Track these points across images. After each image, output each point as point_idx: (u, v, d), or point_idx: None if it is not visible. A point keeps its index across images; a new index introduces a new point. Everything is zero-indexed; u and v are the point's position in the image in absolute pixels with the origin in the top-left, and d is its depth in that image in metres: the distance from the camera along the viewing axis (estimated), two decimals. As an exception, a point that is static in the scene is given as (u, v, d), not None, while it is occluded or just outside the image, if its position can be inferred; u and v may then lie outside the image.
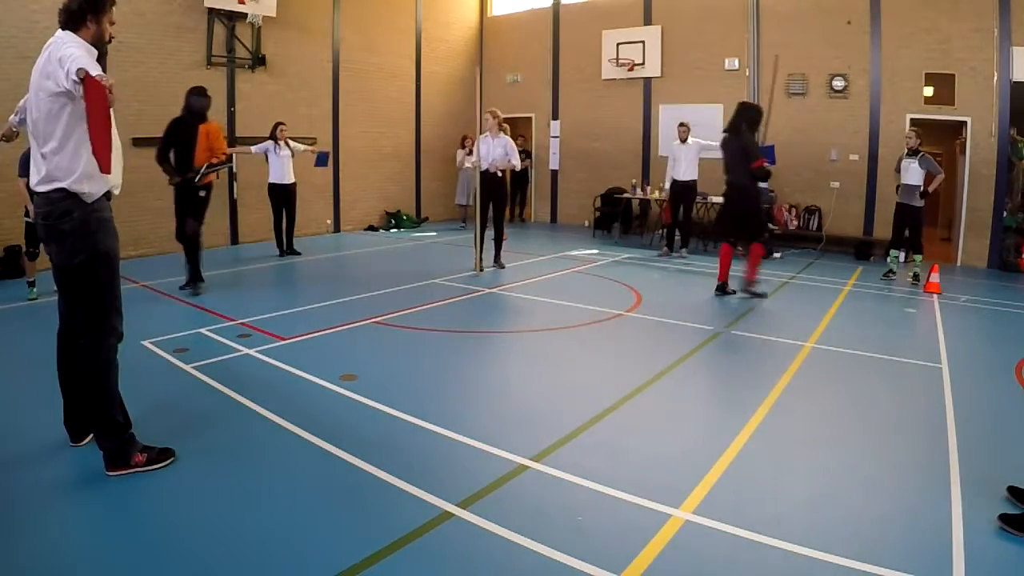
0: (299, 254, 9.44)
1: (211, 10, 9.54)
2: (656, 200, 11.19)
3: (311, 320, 5.89)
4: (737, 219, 7.05)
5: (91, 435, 3.23)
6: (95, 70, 2.68)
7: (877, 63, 10.09)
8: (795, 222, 11.00)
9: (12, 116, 3.48)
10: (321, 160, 10.18)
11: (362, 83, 12.17)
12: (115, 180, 3.12)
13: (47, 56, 2.85)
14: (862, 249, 10.13)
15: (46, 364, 3.39)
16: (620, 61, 12.54)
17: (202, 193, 6.85)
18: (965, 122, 9.51)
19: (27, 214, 6.13)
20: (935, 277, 7.68)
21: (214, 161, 6.83)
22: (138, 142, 8.39)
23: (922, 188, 7.99)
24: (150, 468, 3.08)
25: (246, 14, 9.80)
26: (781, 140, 11.08)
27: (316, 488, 3.01)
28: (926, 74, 9.71)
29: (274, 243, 9.53)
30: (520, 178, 14.06)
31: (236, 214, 10.33)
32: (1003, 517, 2.73)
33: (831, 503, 2.96)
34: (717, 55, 11.61)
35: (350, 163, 12.08)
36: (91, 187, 2.95)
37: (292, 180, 9.28)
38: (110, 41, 3.08)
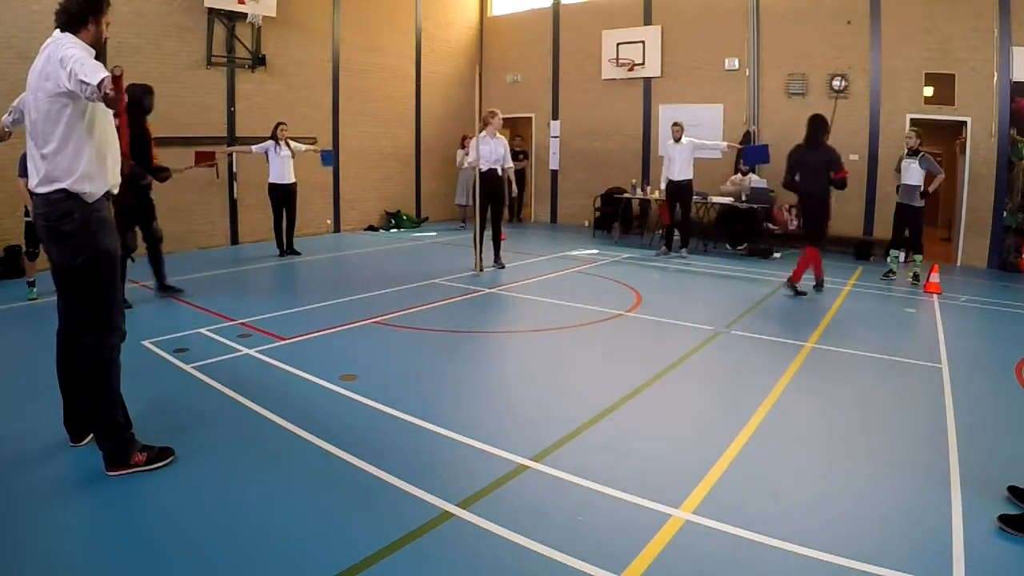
0: (299, 254, 9.43)
1: (211, 10, 9.54)
2: (656, 200, 11.18)
3: (311, 320, 5.88)
4: (807, 222, 7.55)
5: (91, 435, 3.24)
6: (99, 75, 2.68)
7: (877, 63, 10.09)
8: (795, 222, 10.97)
9: (5, 116, 3.48)
10: (326, 159, 10.19)
11: (362, 83, 12.17)
12: (113, 180, 3.12)
13: (46, 57, 2.85)
14: (862, 249, 10.13)
15: (46, 364, 3.39)
16: (620, 61, 12.54)
17: (152, 195, 6.72)
18: (965, 122, 9.51)
19: (27, 214, 6.13)
20: (935, 277, 7.68)
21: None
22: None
23: (922, 188, 7.99)
24: (150, 468, 3.08)
25: (246, 14, 9.80)
26: (781, 140, 11.07)
27: (316, 488, 3.01)
28: (926, 74, 9.71)
29: (274, 243, 9.53)
30: (519, 178, 14.06)
31: (236, 214, 10.33)
32: (1003, 518, 2.73)
33: (831, 503, 2.96)
34: (717, 55, 11.61)
35: (350, 163, 12.08)
36: (91, 187, 2.96)
37: (292, 180, 9.28)
38: (105, 41, 3.09)
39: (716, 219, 10.97)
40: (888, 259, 8.67)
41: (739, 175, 10.63)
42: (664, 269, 8.99)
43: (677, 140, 9.63)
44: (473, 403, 4.21)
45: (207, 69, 9.69)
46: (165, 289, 6.82)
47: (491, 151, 8.32)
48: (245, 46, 10.11)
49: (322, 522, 2.72)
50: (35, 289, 6.53)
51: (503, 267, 8.50)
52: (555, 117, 13.80)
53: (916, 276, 8.17)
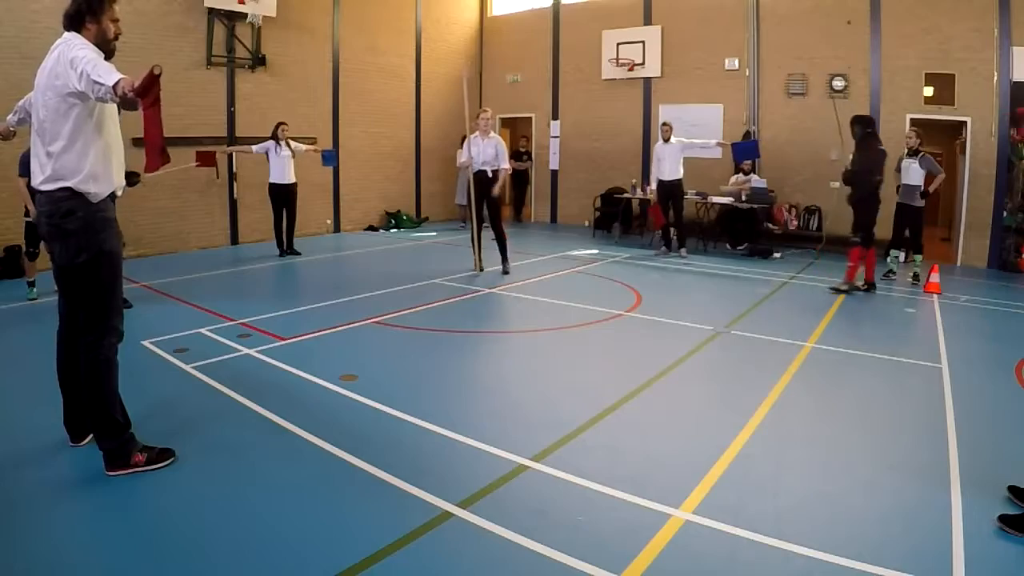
0: (299, 254, 9.44)
1: (211, 10, 9.54)
2: (653, 200, 11.20)
3: (311, 320, 5.88)
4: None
5: (91, 435, 3.24)
6: (114, 76, 2.69)
7: (877, 63, 10.08)
8: (795, 222, 11.00)
9: (11, 116, 3.48)
10: (328, 159, 10.16)
11: (362, 83, 12.17)
12: (119, 180, 3.13)
13: (56, 57, 2.86)
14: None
15: (46, 364, 3.39)
16: (620, 61, 12.54)
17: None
18: (965, 122, 9.51)
19: (27, 214, 6.13)
20: (935, 277, 7.68)
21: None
22: (138, 142, 8.36)
23: (922, 188, 7.99)
24: (150, 468, 3.08)
25: (246, 14, 9.80)
26: (781, 140, 11.11)
27: (316, 488, 3.01)
28: (926, 74, 9.70)
29: (274, 243, 9.53)
30: (520, 178, 14.07)
31: (236, 214, 10.33)
32: (1003, 518, 2.73)
33: (831, 503, 2.96)
34: (717, 55, 11.61)
35: (350, 163, 12.08)
36: (97, 187, 2.96)
37: (293, 180, 9.28)
38: (116, 39, 3.08)
39: (716, 219, 10.97)
40: (888, 259, 8.67)
41: (741, 175, 10.63)
42: (664, 269, 8.99)
43: (666, 140, 9.67)
44: (473, 403, 4.21)
45: (207, 69, 9.69)
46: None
47: (480, 152, 8.22)
48: (245, 46, 10.11)
49: (322, 522, 2.72)
50: (35, 289, 6.53)
51: (507, 273, 8.17)
52: (555, 117, 13.80)
53: (916, 276, 8.17)
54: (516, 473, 3.16)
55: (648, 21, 12.35)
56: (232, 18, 9.84)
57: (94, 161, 2.94)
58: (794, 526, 2.73)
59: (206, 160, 8.74)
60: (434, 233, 12.14)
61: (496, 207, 8.34)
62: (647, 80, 12.46)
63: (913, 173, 8.01)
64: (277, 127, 9.18)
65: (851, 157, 7.49)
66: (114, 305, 3.09)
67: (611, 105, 13.00)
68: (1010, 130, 9.20)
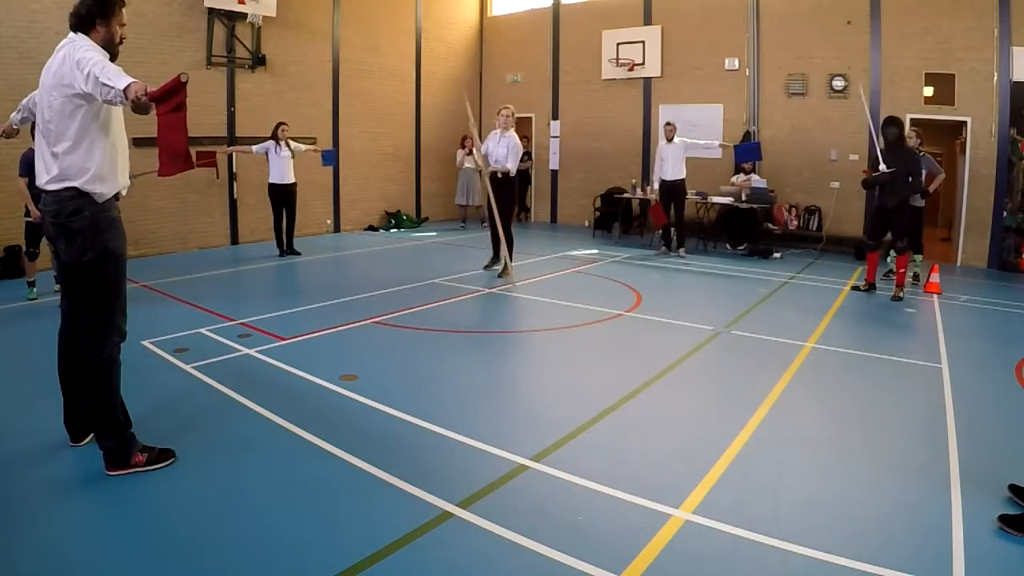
0: (299, 254, 9.43)
1: (211, 10, 9.54)
2: (652, 200, 11.20)
3: (311, 320, 5.88)
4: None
5: (91, 435, 3.24)
6: (124, 80, 2.70)
7: (877, 63, 10.08)
8: (795, 222, 11.00)
9: (14, 114, 3.49)
10: (327, 159, 10.16)
11: (362, 83, 12.17)
12: (124, 181, 3.13)
13: (62, 57, 2.86)
14: (862, 249, 10.12)
15: (46, 364, 3.39)
16: (620, 61, 12.54)
17: None
18: (965, 122, 9.51)
19: (27, 214, 6.13)
20: (935, 277, 7.69)
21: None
22: (139, 142, 8.37)
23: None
24: (150, 468, 3.08)
25: (246, 14, 9.80)
26: (781, 140, 11.11)
27: (316, 488, 3.01)
28: (926, 74, 9.70)
29: (274, 243, 9.53)
30: (521, 179, 14.06)
31: (236, 214, 10.33)
32: (1003, 518, 2.73)
33: (831, 503, 2.96)
34: (717, 55, 11.61)
35: (350, 163, 12.08)
36: (103, 187, 2.97)
37: (292, 180, 9.27)
38: (121, 43, 3.08)
39: (716, 219, 10.97)
40: (888, 259, 8.67)
41: (742, 174, 10.63)
42: (664, 269, 8.99)
43: (670, 140, 9.65)
44: (473, 403, 4.21)
45: (207, 69, 9.69)
46: None
47: (494, 148, 8.04)
48: (245, 46, 10.11)
49: (322, 522, 2.72)
50: (35, 289, 6.53)
51: (502, 275, 7.95)
52: (555, 117, 13.80)
53: (916, 276, 8.17)
54: (516, 473, 3.16)
55: (648, 21, 12.35)
56: (232, 18, 9.84)
57: (100, 161, 2.94)
58: (794, 526, 2.73)
59: (204, 158, 8.73)
60: (434, 233, 12.14)
61: (505, 209, 7.94)
62: (647, 80, 12.46)
63: (914, 173, 8.01)
64: (277, 127, 9.16)
65: (881, 156, 7.33)
66: (118, 304, 3.09)
67: (611, 105, 13.00)
68: (1010, 129, 9.20)
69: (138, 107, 2.74)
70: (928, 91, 9.73)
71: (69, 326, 3.17)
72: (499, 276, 7.94)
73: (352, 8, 11.84)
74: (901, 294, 7.27)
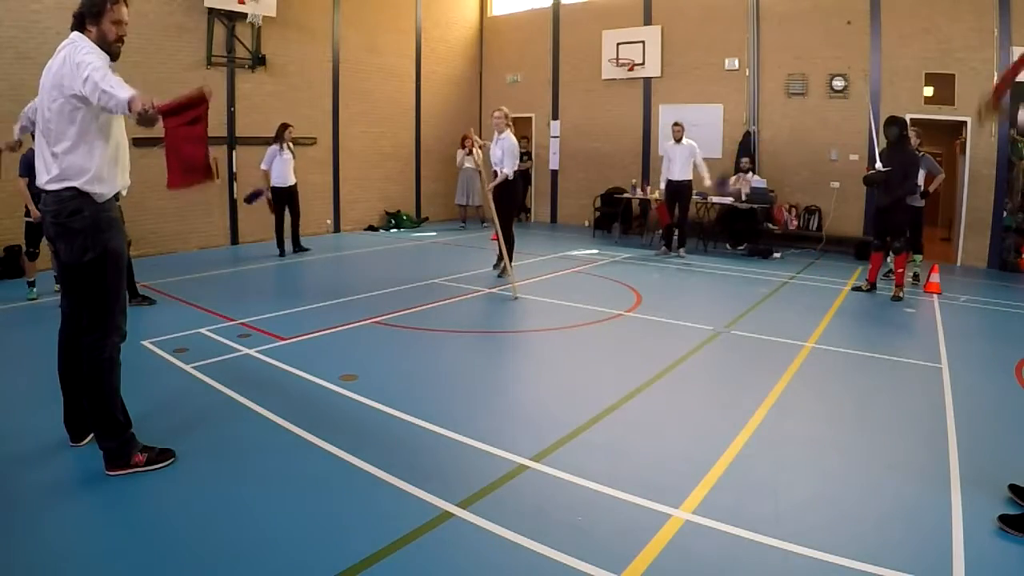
0: (308, 250, 9.52)
1: (211, 10, 9.54)
2: (655, 200, 11.20)
3: (311, 320, 5.88)
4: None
5: (91, 435, 3.24)
6: (126, 91, 2.72)
7: (877, 63, 10.08)
8: (795, 222, 11.00)
9: (15, 126, 3.50)
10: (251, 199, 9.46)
11: (362, 83, 12.17)
12: (124, 181, 3.13)
13: (63, 58, 2.86)
14: (862, 249, 10.11)
15: (46, 364, 3.39)
16: (620, 61, 12.54)
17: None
18: (965, 122, 9.50)
19: (27, 214, 6.13)
20: (935, 277, 7.69)
21: None
22: (139, 142, 8.35)
23: (922, 188, 7.99)
24: (150, 468, 3.08)
25: (246, 14, 9.80)
26: (781, 140, 11.11)
27: (316, 488, 3.01)
28: (926, 74, 9.70)
29: (271, 242, 9.54)
30: (522, 179, 14.06)
31: (236, 214, 10.32)
32: (1003, 518, 2.73)
33: (831, 503, 2.96)
34: (717, 55, 11.61)
35: (350, 163, 12.08)
36: (103, 188, 2.97)
37: (294, 181, 9.29)
38: (120, 41, 3.07)
39: (716, 219, 10.97)
40: (888, 259, 8.66)
41: (741, 174, 10.63)
42: (664, 269, 8.99)
43: (678, 140, 9.61)
44: (473, 403, 4.21)
45: (207, 69, 9.69)
46: (137, 298, 6.25)
47: (492, 153, 8.11)
48: (245, 46, 10.11)
49: (322, 522, 2.72)
50: (35, 289, 6.53)
51: (500, 276, 7.95)
52: (555, 117, 13.80)
53: (916, 276, 8.17)
54: (516, 473, 3.16)
55: (648, 21, 12.35)
56: (232, 18, 9.83)
57: (100, 162, 2.94)
58: (794, 526, 2.73)
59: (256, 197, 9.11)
60: (434, 233, 12.14)
61: (502, 211, 7.76)
62: (647, 80, 12.46)
63: (913, 173, 8.01)
64: (284, 129, 9.16)
65: (880, 154, 7.34)
66: (118, 304, 3.09)
67: (611, 105, 12.99)
68: (1010, 130, 9.20)
69: (144, 119, 2.74)
70: (928, 91, 9.73)
71: (69, 326, 3.17)
72: (499, 276, 7.96)
73: (352, 8, 11.83)
74: (901, 294, 7.27)
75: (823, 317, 6.39)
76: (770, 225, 10.67)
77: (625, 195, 11.92)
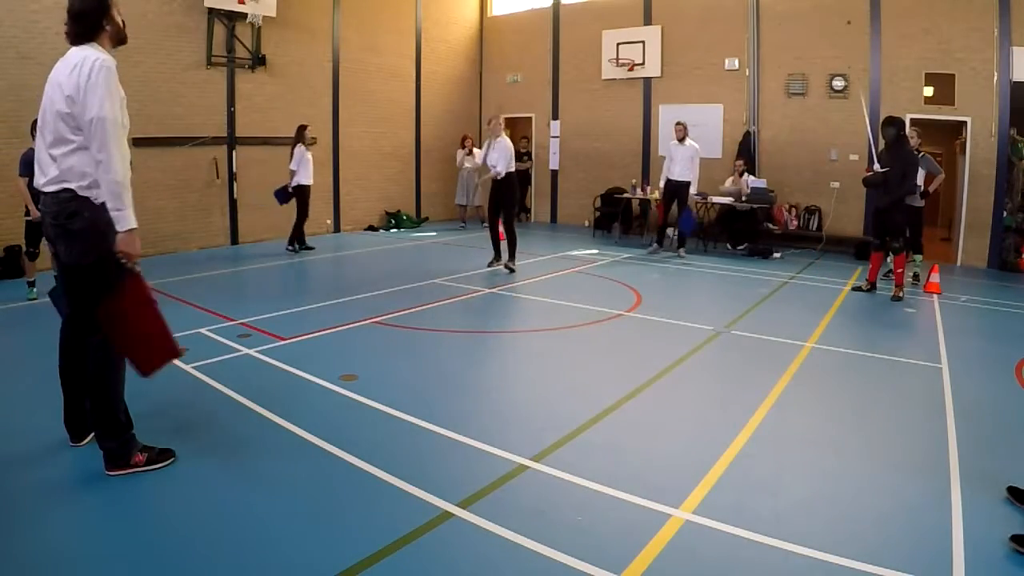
0: (312, 248, 9.72)
1: (211, 10, 9.54)
2: (654, 200, 11.21)
3: (311, 320, 5.88)
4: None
5: (91, 435, 3.24)
6: (128, 212, 2.82)
7: (877, 63, 10.08)
8: (795, 222, 11.00)
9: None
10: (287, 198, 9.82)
11: (362, 83, 12.17)
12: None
13: (77, 72, 2.80)
14: (862, 249, 10.11)
15: (46, 364, 3.39)
16: (620, 61, 12.54)
17: None
18: (965, 122, 9.50)
19: (27, 214, 6.13)
20: (935, 277, 7.69)
21: None
22: (138, 142, 8.40)
23: (922, 188, 7.99)
24: (150, 468, 3.08)
25: (246, 14, 9.80)
26: (781, 140, 11.11)
27: (316, 488, 3.01)
28: (926, 74, 9.70)
29: (273, 242, 9.58)
30: (521, 179, 14.07)
31: (236, 214, 10.32)
32: (1015, 538, 2.59)
33: (831, 503, 2.96)
34: (717, 55, 11.61)
35: (350, 163, 12.08)
36: (100, 192, 2.91)
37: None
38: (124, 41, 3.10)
39: (716, 219, 10.97)
40: (888, 259, 8.66)
41: (737, 175, 10.63)
42: (664, 269, 8.99)
43: (680, 140, 9.63)
44: (473, 403, 4.21)
45: (207, 69, 9.69)
46: None
47: (488, 156, 8.43)
48: (245, 46, 10.11)
49: (322, 522, 2.72)
50: (35, 289, 6.52)
51: (512, 271, 8.25)
52: (555, 117, 13.80)
53: (916, 276, 8.18)
54: (516, 473, 3.16)
55: (648, 21, 12.35)
56: (232, 18, 9.83)
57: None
58: (794, 526, 2.73)
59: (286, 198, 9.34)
60: (434, 233, 12.14)
61: (506, 210, 8.35)
62: (647, 80, 12.46)
63: (913, 173, 8.01)
64: (304, 129, 9.44)
65: (877, 156, 7.33)
66: None
67: (611, 105, 12.99)
68: (1010, 129, 9.20)
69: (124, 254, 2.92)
70: (928, 91, 9.73)
71: (70, 326, 3.17)
72: (505, 268, 8.36)
73: (352, 8, 11.83)
74: (901, 294, 7.27)
75: (823, 317, 6.39)
76: (770, 225, 10.67)
77: (625, 195, 11.92)
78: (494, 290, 7.35)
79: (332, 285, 7.54)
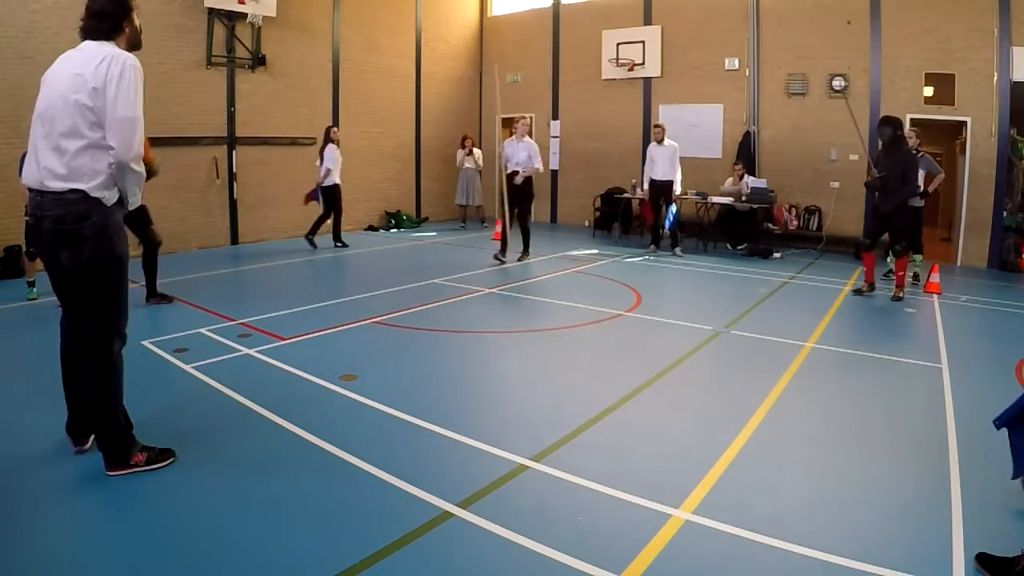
0: (316, 247, 9.81)
1: (211, 10, 9.54)
2: (638, 201, 11.27)
3: (311, 320, 5.88)
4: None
5: (92, 435, 3.23)
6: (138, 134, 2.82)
7: (877, 63, 10.08)
8: (795, 222, 11.00)
9: None
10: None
11: (362, 83, 12.17)
12: (135, 199, 3.08)
13: (106, 67, 2.75)
14: (859, 248, 10.13)
15: (46, 364, 3.39)
16: (620, 61, 12.54)
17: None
18: (965, 122, 9.50)
19: (27, 213, 6.12)
20: (935, 277, 7.68)
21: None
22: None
23: (922, 188, 7.99)
24: (150, 468, 3.08)
25: (246, 14, 9.80)
26: (781, 140, 11.11)
27: (316, 488, 3.01)
28: (926, 74, 9.70)
29: (271, 242, 9.60)
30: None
31: (236, 214, 10.32)
32: (980, 558, 2.45)
33: (831, 503, 2.96)
34: (717, 55, 11.61)
35: (350, 163, 12.03)
36: (111, 192, 2.88)
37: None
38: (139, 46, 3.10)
39: (716, 219, 10.97)
40: (888, 259, 8.66)
41: (736, 176, 10.63)
42: (664, 269, 8.99)
43: (659, 141, 9.83)
44: (473, 403, 4.21)
45: (207, 69, 9.69)
46: (156, 296, 6.37)
47: (514, 154, 8.86)
48: (245, 46, 10.11)
49: (322, 522, 2.72)
50: (35, 289, 6.52)
51: (523, 260, 8.94)
52: (555, 117, 13.80)
53: (916, 276, 8.17)
54: (516, 473, 3.16)
55: (648, 21, 12.35)
56: (232, 18, 9.83)
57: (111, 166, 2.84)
58: (794, 526, 2.73)
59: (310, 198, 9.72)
60: (434, 233, 12.14)
61: (525, 208, 9.08)
62: (647, 80, 12.46)
63: (913, 173, 8.00)
64: (332, 130, 9.77)
65: (873, 160, 7.33)
66: (122, 309, 3.03)
67: (611, 105, 12.99)
68: (1010, 129, 9.20)
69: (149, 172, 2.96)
70: (928, 91, 9.73)
71: (71, 336, 3.09)
72: (518, 260, 8.97)
73: (352, 8, 11.83)
74: (901, 294, 7.27)
75: (823, 317, 6.39)
76: (770, 225, 10.67)
77: (625, 195, 11.92)
78: (494, 290, 7.35)
79: (332, 285, 7.54)
